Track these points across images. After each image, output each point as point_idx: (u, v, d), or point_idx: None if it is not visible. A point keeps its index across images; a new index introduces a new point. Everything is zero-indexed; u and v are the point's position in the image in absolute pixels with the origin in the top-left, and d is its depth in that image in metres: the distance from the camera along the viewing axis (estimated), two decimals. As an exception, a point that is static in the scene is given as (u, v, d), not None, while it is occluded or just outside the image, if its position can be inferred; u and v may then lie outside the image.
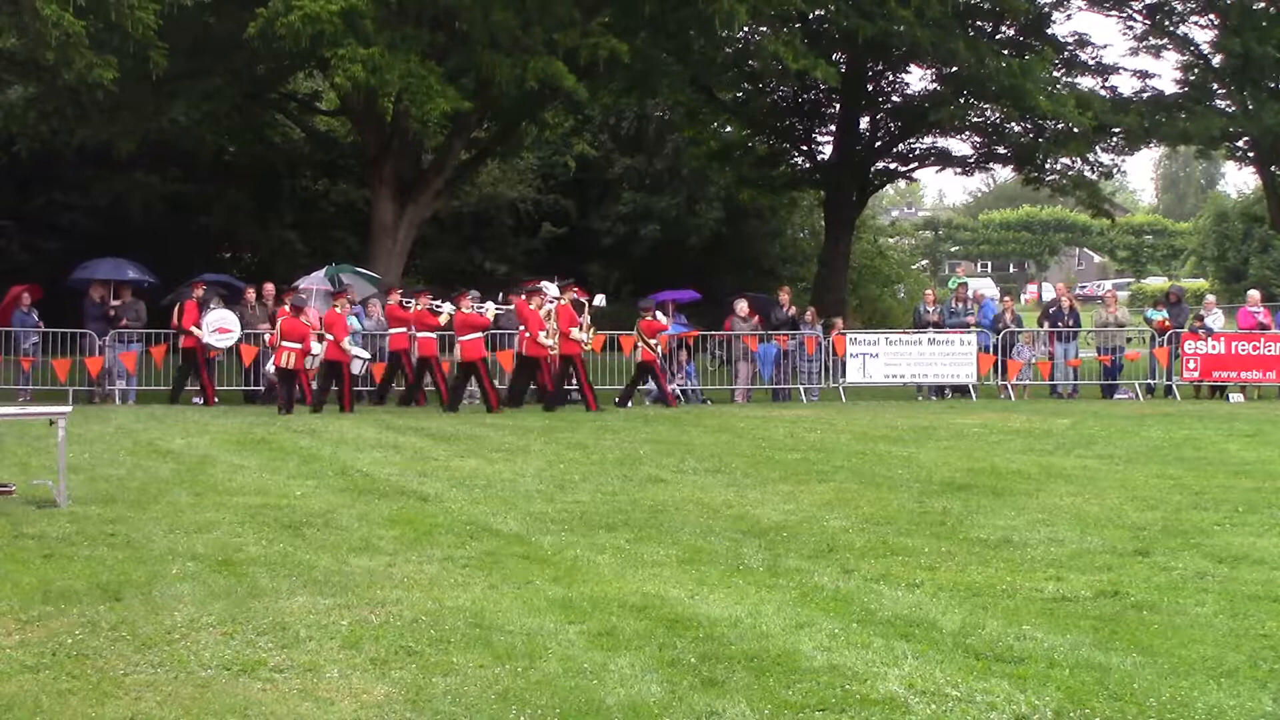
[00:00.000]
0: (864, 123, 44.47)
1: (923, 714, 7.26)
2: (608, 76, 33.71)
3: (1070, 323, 30.98)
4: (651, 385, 28.25)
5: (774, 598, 9.81)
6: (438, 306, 27.23)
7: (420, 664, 8.15)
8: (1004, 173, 52.90)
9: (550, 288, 27.87)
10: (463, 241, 48.95)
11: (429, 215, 36.71)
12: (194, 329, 27.15)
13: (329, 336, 25.69)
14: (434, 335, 27.07)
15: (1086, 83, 42.82)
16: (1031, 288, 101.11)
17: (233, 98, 32.72)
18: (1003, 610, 9.46)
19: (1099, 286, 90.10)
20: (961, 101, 40.19)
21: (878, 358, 29.54)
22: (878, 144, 44.83)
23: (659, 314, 28.11)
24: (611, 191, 52.39)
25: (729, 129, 46.29)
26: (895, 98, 44.79)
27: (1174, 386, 30.37)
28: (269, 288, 29.47)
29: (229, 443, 19.69)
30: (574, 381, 26.87)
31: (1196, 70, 43.20)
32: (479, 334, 26.44)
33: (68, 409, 15.65)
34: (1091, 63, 43.51)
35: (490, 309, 27.90)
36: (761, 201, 47.88)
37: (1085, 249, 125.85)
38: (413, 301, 27.52)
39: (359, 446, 19.43)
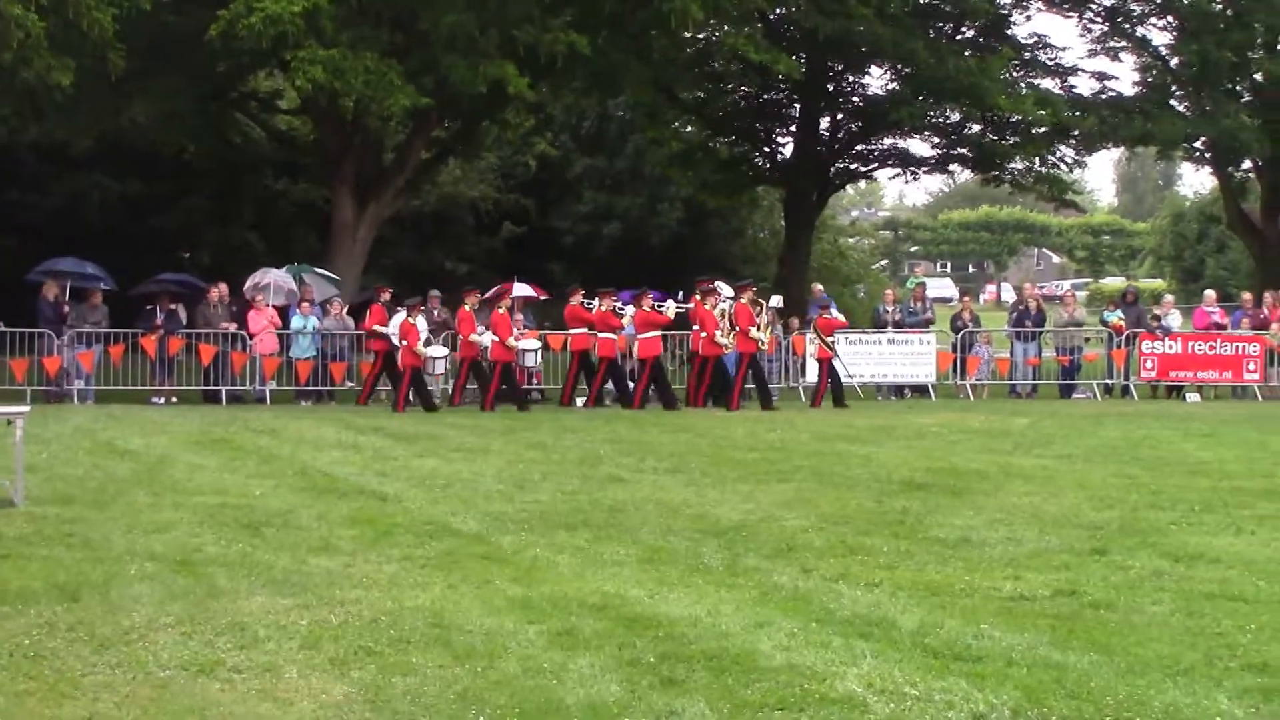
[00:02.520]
0: (824, 123, 44.50)
1: (881, 713, 7.28)
2: (569, 76, 33.70)
3: (1036, 323, 31.12)
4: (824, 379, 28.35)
5: (733, 597, 9.83)
6: (620, 308, 27.67)
7: (379, 664, 8.14)
8: (964, 173, 52.95)
9: (724, 288, 28.40)
10: (423, 241, 48.87)
11: (389, 214, 36.66)
12: (378, 328, 27.33)
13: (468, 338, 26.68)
14: (614, 336, 27.46)
15: (1046, 84, 43.00)
16: (990, 288, 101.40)
17: (192, 97, 32.58)
18: (961, 609, 9.50)
19: (1057, 286, 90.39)
20: (921, 101, 40.28)
21: (837, 357, 29.54)
22: (838, 144, 44.90)
23: (834, 310, 28.87)
24: (572, 191, 52.38)
25: (690, 129, 46.29)
26: (855, 98, 44.87)
27: (1131, 386, 30.51)
28: (223, 288, 29.41)
29: (188, 442, 19.62)
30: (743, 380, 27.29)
31: (1155, 73, 43.46)
32: (657, 332, 27.09)
33: (25, 408, 15.56)
34: (1051, 64, 43.70)
35: (671, 307, 28.40)
36: (722, 204, 47.94)
37: (1044, 249, 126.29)
38: (595, 302, 27.81)
39: (318, 446, 19.39)
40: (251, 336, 27.82)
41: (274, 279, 30.16)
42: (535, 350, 27.64)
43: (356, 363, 28.82)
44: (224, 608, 9.44)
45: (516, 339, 26.90)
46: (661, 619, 9.12)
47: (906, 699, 7.48)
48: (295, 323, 28.33)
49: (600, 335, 27.42)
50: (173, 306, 28.38)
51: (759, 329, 27.12)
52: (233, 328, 27.95)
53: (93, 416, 23.64)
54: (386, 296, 28.37)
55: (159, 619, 9.09)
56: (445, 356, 27.24)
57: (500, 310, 26.93)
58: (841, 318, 29.01)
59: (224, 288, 29.37)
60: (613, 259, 49.30)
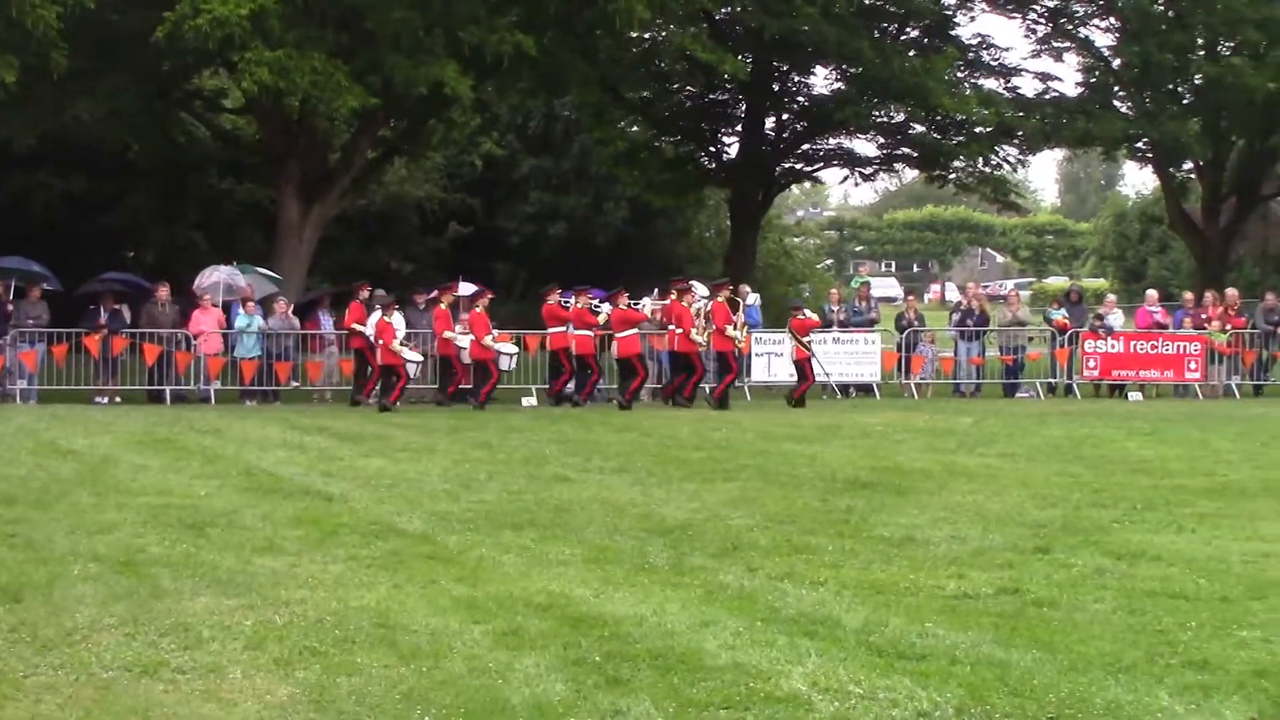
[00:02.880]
0: (769, 123, 44.58)
1: (826, 711, 7.31)
2: (515, 76, 33.68)
3: (978, 323, 31.28)
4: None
5: (679, 596, 9.85)
6: (596, 306, 27.68)
7: (324, 664, 8.12)
8: (909, 173, 53.21)
9: (700, 287, 28.64)
10: (369, 241, 48.73)
11: (335, 214, 36.53)
12: (356, 326, 27.32)
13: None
14: (591, 333, 27.51)
15: (990, 84, 43.20)
16: (935, 287, 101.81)
17: (137, 96, 32.41)
18: (905, 608, 9.54)
19: (1001, 286, 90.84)
20: (866, 101, 40.41)
21: (783, 356, 29.59)
22: (783, 144, 44.99)
23: (808, 310, 28.82)
24: (518, 191, 52.31)
25: (636, 129, 46.30)
26: (801, 98, 44.97)
27: (1074, 385, 30.72)
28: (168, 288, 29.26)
29: (132, 443, 19.52)
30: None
31: (1097, 73, 43.74)
32: (634, 330, 27.25)
33: (-33, 409, 15.48)
34: (994, 64, 43.90)
35: (647, 305, 28.59)
36: (668, 203, 47.99)
37: (988, 249, 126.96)
38: (572, 300, 27.83)
39: (263, 446, 19.31)
40: (195, 336, 27.69)
41: (220, 277, 30.00)
42: (512, 355, 27.60)
43: (302, 362, 28.70)
44: (168, 608, 9.39)
45: (495, 340, 26.92)
46: (607, 618, 9.13)
47: (851, 697, 7.51)
48: (240, 322, 28.19)
49: (577, 333, 27.46)
50: (117, 306, 28.22)
51: (735, 327, 27.21)
52: (190, 330, 27.80)
53: (36, 416, 23.49)
54: (365, 294, 28.26)
55: (102, 620, 9.04)
56: (420, 362, 27.18)
57: (478, 309, 26.92)
58: (815, 317, 29.04)
59: (169, 288, 29.20)
60: (558, 259, 49.26)
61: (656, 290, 30.18)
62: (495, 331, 27.11)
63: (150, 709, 7.34)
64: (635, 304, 28.15)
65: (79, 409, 25.32)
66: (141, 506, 13.60)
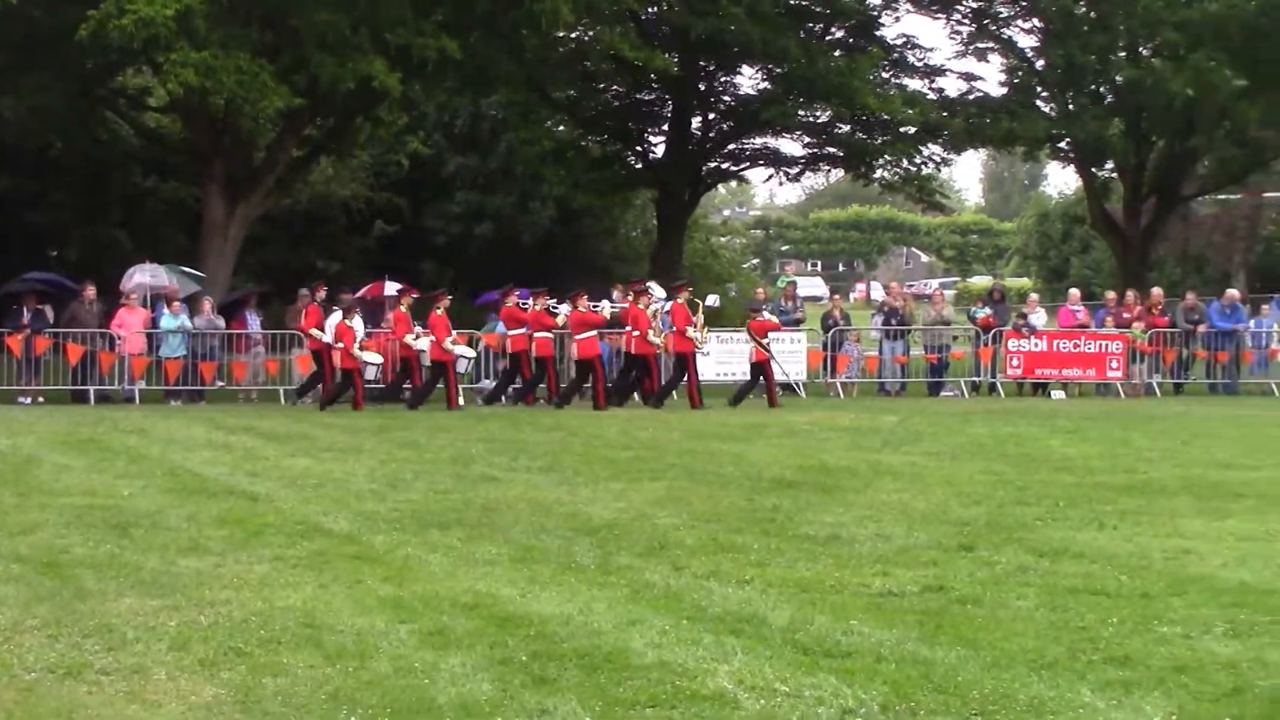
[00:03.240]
0: (696, 122, 44.66)
1: (752, 709, 7.35)
2: (441, 75, 33.60)
3: (901, 322, 31.46)
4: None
5: (605, 595, 9.87)
6: (554, 308, 27.76)
7: (250, 665, 8.09)
8: (835, 173, 53.30)
9: (656, 289, 28.88)
10: (295, 240, 48.45)
11: (260, 213, 36.30)
12: (314, 331, 26.97)
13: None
14: (550, 335, 27.55)
15: (914, 84, 43.44)
16: (860, 286, 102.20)
17: (61, 94, 32.15)
18: (830, 606, 9.59)
19: (926, 285, 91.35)
20: (792, 100, 40.55)
21: (709, 355, 29.61)
22: (709, 144, 45.07)
23: (767, 312, 28.87)
24: (445, 190, 52.16)
25: (562, 129, 46.28)
26: (727, 98, 45.06)
27: (998, 384, 30.92)
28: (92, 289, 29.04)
29: (55, 443, 19.37)
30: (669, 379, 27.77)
31: (1021, 74, 44.07)
32: (593, 332, 27.11)
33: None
34: (919, 65, 44.15)
35: (606, 307, 28.64)
36: (595, 203, 48.00)
37: (913, 248, 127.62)
38: (530, 302, 27.79)
39: (188, 446, 19.21)
40: (119, 337, 27.48)
41: (145, 278, 29.78)
42: (469, 359, 27.57)
43: (227, 362, 28.55)
44: (91, 609, 9.34)
45: (455, 342, 26.90)
46: (533, 618, 9.14)
47: (777, 695, 7.55)
48: (166, 322, 28.00)
49: (536, 335, 27.48)
50: (40, 306, 27.97)
51: (695, 328, 27.29)
52: (115, 330, 27.59)
53: (-44, 417, 23.29)
54: (322, 295, 28.05)
55: (25, 621, 8.98)
56: (379, 364, 27.07)
57: (438, 311, 26.82)
58: (775, 319, 29.05)
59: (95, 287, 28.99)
60: (485, 258, 49.17)
61: (615, 293, 30.31)
62: (454, 333, 27.09)
63: (74, 711, 7.29)
64: (595, 306, 28.17)
65: (1, 409, 25.09)
66: (65, 507, 13.50)
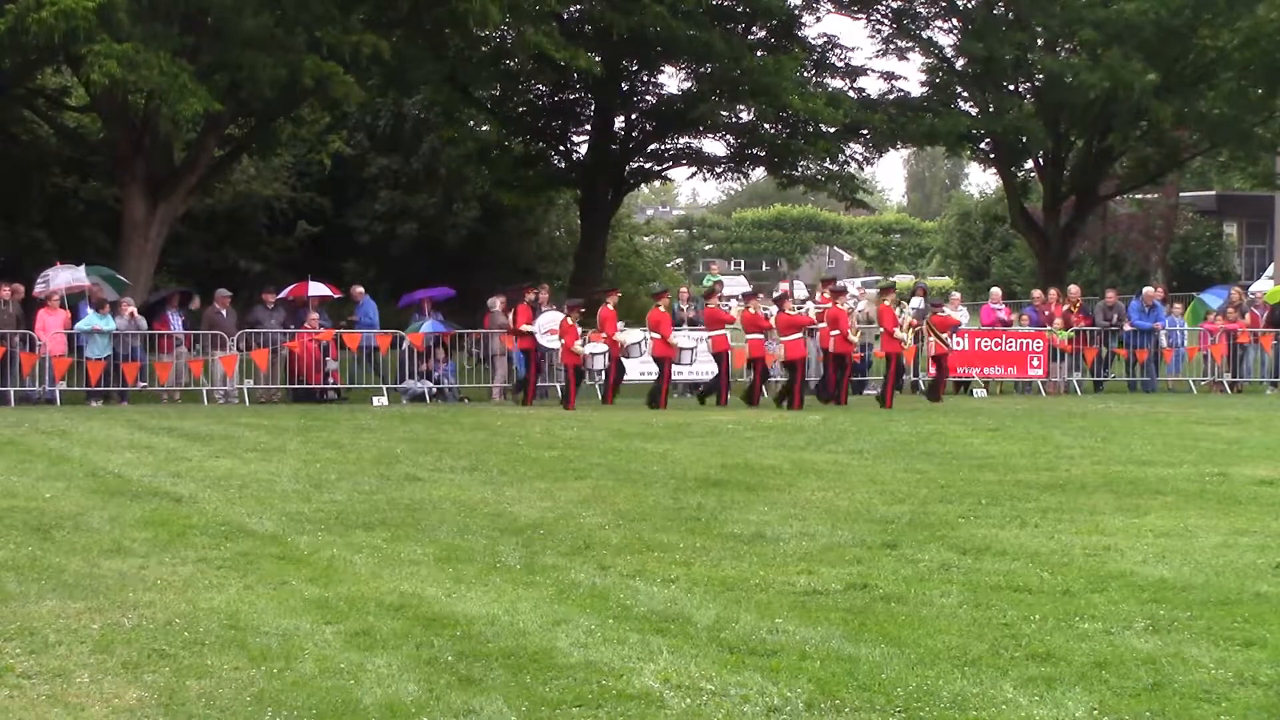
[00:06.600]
0: (619, 122, 44.64)
1: (678, 708, 7.38)
2: (364, 74, 33.47)
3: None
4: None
5: (531, 595, 9.89)
6: (766, 310, 28.17)
7: (174, 667, 8.06)
8: (757, 172, 53.38)
9: (852, 286, 29.12)
10: (216, 240, 48.03)
11: (181, 213, 36.02)
12: (526, 327, 27.79)
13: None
14: (762, 336, 27.60)
15: (836, 84, 43.57)
16: (783, 285, 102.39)
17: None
18: (756, 604, 9.64)
19: (852, 284, 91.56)
20: (715, 100, 40.63)
21: (633, 356, 29.60)
22: (633, 143, 45.08)
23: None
24: (368, 190, 51.91)
25: (486, 128, 46.17)
26: (650, 97, 45.07)
27: (920, 382, 31.06)
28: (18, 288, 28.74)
29: (-27, 445, 19.21)
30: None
31: (941, 73, 44.36)
32: (800, 334, 27.36)
33: None
34: (841, 65, 44.29)
35: (811, 309, 29.00)
36: (518, 203, 47.92)
37: (835, 247, 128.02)
38: (732, 302, 28.27)
39: (110, 448, 19.08)
40: (40, 337, 27.23)
41: (64, 279, 29.53)
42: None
43: (150, 363, 28.32)
44: (13, 612, 9.28)
45: (584, 343, 27.27)
46: (459, 618, 9.15)
47: (703, 694, 7.59)
48: (89, 323, 27.75)
49: (749, 337, 27.71)
50: None
51: (902, 329, 27.78)
52: (35, 331, 27.34)
53: (-128, 419, 23.04)
54: (531, 296, 29.17)
55: (-55, 626, 8.92)
56: (605, 352, 27.49)
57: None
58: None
59: (19, 288, 28.72)
60: (409, 258, 48.93)
61: (818, 293, 31.03)
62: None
63: (-4, 716, 7.25)
64: (801, 308, 29.13)
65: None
66: (-16, 510, 13.40)
